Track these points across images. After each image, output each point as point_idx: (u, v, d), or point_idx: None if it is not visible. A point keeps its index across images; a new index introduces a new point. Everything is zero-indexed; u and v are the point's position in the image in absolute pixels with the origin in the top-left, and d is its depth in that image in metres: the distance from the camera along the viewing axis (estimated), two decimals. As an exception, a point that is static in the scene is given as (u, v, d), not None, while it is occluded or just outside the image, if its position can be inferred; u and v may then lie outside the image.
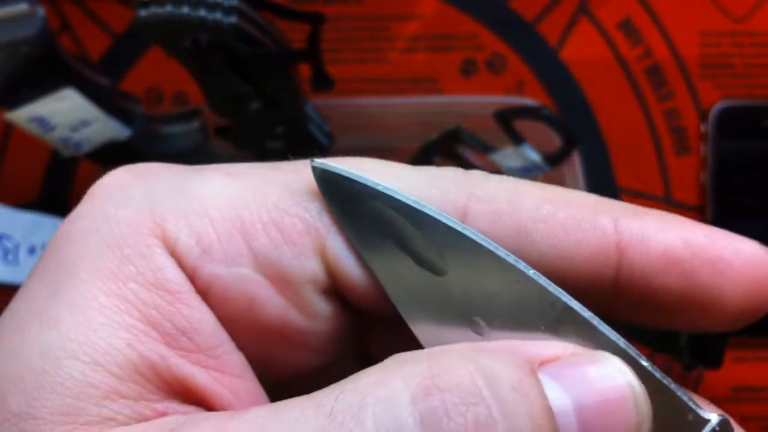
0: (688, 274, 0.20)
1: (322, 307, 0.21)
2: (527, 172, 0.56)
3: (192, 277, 0.20)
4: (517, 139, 0.54)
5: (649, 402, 0.19)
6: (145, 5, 0.43)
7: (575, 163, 0.57)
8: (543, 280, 0.19)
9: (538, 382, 0.18)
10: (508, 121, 0.54)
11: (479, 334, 0.20)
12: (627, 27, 0.62)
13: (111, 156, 0.52)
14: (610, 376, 0.19)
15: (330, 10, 0.62)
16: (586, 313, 0.19)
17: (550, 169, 0.55)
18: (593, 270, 0.21)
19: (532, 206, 0.21)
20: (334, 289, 0.21)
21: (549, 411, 0.18)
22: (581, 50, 0.62)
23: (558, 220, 0.21)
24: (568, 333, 0.19)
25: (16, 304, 0.20)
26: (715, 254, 0.21)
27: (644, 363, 0.19)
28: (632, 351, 0.19)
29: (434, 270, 0.20)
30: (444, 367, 0.18)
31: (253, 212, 0.20)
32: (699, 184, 0.61)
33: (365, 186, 0.20)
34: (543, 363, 0.19)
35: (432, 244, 0.20)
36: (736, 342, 0.58)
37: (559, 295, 0.19)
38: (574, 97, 0.62)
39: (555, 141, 0.54)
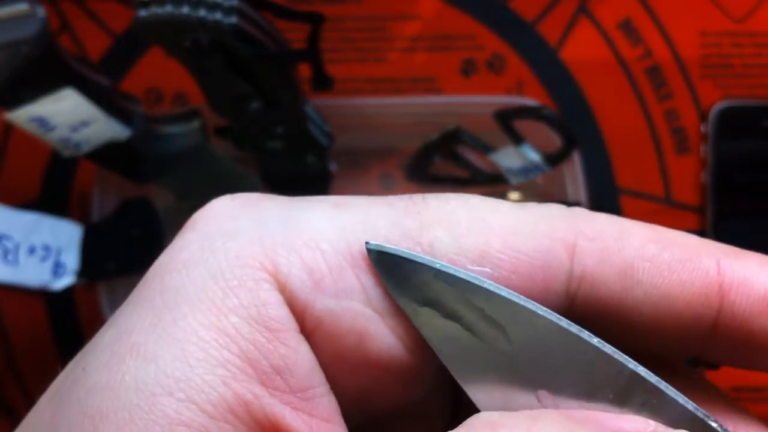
0: None
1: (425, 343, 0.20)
2: (527, 173, 0.56)
3: (303, 311, 0.19)
4: (517, 139, 0.54)
5: None
6: (145, 5, 0.43)
7: (575, 163, 0.57)
8: (608, 348, 0.19)
9: None
10: (508, 121, 0.54)
11: (545, 406, 0.20)
12: (627, 27, 0.62)
13: (111, 156, 0.52)
14: None
15: (330, 10, 0.62)
16: (654, 378, 0.19)
17: (550, 169, 0.55)
18: (695, 311, 0.21)
19: (639, 245, 0.21)
20: None
21: None
22: (581, 50, 0.62)
23: (663, 259, 0.20)
24: (636, 401, 0.19)
25: (110, 333, 0.20)
26: None
27: (714, 425, 0.19)
28: (701, 413, 0.19)
29: (500, 347, 0.20)
30: None
31: (364, 246, 0.20)
32: (699, 184, 0.61)
33: (423, 265, 0.20)
34: None
35: (494, 319, 0.19)
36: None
37: (626, 362, 0.19)
38: (574, 97, 0.62)
39: (555, 141, 0.54)
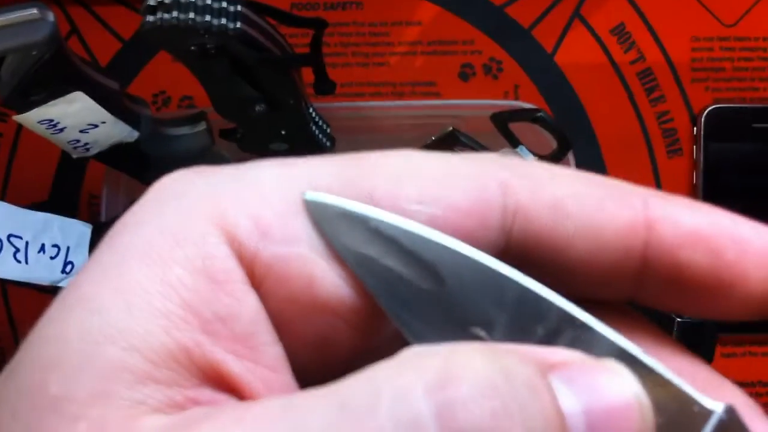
0: (713, 251, 0.21)
1: None
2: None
3: (252, 259, 0.20)
4: (513, 142, 0.54)
5: (653, 412, 0.19)
6: (152, 11, 0.43)
7: (569, 164, 0.58)
8: (537, 286, 0.20)
9: (548, 384, 0.18)
10: (504, 124, 0.54)
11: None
12: (620, 32, 0.63)
13: (119, 157, 0.53)
14: (618, 385, 0.19)
15: (332, 16, 0.63)
16: (584, 315, 0.20)
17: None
18: (624, 244, 0.21)
19: (568, 182, 0.21)
20: None
21: (560, 412, 0.18)
22: (575, 55, 0.63)
23: (592, 194, 0.21)
24: (567, 337, 0.20)
25: (65, 290, 0.20)
26: (738, 235, 0.21)
27: (646, 359, 0.20)
28: (633, 348, 0.20)
29: (432, 286, 0.20)
30: (461, 361, 0.18)
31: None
32: (690, 185, 0.62)
33: (356, 213, 0.20)
34: (552, 367, 0.19)
35: (426, 261, 0.20)
36: (726, 337, 0.59)
37: (555, 299, 0.20)
38: (569, 100, 0.63)
39: (550, 143, 0.54)
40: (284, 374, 0.20)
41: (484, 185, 0.21)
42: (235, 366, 0.19)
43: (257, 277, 0.20)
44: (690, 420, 0.19)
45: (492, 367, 0.18)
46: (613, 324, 0.20)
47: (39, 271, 0.51)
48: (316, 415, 0.17)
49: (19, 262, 0.50)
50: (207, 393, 0.19)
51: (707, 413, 0.19)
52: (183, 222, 0.20)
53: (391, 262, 0.20)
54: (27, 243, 0.51)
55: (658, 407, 0.19)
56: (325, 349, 0.21)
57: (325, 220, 0.20)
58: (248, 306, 0.20)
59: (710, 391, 0.20)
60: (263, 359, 0.20)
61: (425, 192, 0.21)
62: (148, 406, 0.18)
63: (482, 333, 0.20)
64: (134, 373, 0.18)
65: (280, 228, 0.20)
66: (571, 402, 0.18)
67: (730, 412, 0.19)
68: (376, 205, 0.20)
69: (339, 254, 0.20)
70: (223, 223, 0.20)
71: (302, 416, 0.17)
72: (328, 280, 0.20)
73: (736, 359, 0.60)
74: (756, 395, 0.60)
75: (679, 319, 0.46)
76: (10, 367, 0.20)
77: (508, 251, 0.21)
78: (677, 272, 0.21)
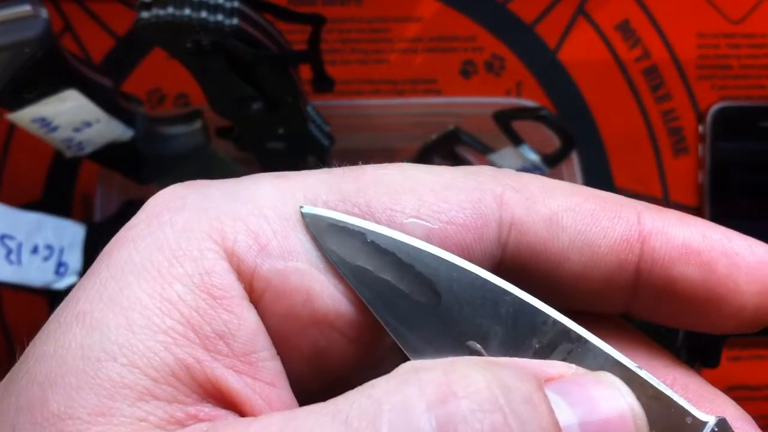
0: (705, 265, 0.21)
1: None
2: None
3: (252, 274, 0.20)
4: (516, 140, 0.54)
5: (647, 424, 0.20)
6: (147, 7, 0.43)
7: (573, 163, 0.57)
8: (533, 300, 0.20)
9: (545, 397, 0.18)
10: (507, 122, 0.54)
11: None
12: (625, 28, 0.63)
13: (113, 156, 0.52)
14: (613, 397, 0.19)
15: (330, 11, 0.62)
16: (579, 329, 0.20)
17: (548, 170, 0.55)
18: (618, 257, 0.22)
19: (563, 196, 0.22)
20: None
21: (557, 425, 0.18)
22: (579, 52, 0.63)
23: (586, 208, 0.22)
24: (562, 350, 0.20)
25: (62, 306, 0.20)
26: (731, 248, 0.22)
27: (640, 372, 0.20)
28: (627, 361, 0.20)
29: (428, 300, 0.20)
30: (460, 375, 0.18)
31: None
32: (697, 184, 0.61)
33: (354, 227, 0.21)
34: (548, 380, 0.19)
35: (423, 275, 0.20)
36: (732, 341, 0.59)
37: (550, 313, 0.20)
38: (573, 98, 0.62)
39: (553, 142, 0.54)
40: (283, 389, 0.20)
41: (480, 199, 0.21)
42: (234, 382, 0.19)
43: (256, 291, 0.20)
44: (684, 431, 0.20)
45: (491, 382, 0.18)
46: (607, 336, 0.21)
47: (32, 272, 0.51)
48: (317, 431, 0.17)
49: (12, 263, 0.50)
50: (207, 409, 0.19)
51: (700, 425, 0.20)
52: (181, 238, 0.20)
53: (388, 275, 0.20)
54: (20, 244, 0.50)
55: (652, 419, 0.20)
56: (322, 363, 0.21)
57: (322, 234, 0.20)
58: (247, 322, 0.20)
59: (703, 402, 0.21)
60: (262, 375, 0.20)
61: (422, 206, 0.21)
62: (149, 422, 0.19)
63: (478, 347, 0.20)
64: (135, 390, 0.19)
65: (278, 243, 0.20)
66: (567, 415, 0.19)
67: (722, 424, 0.20)
68: (374, 219, 0.21)
69: (336, 268, 0.20)
70: (222, 239, 0.20)
71: None
72: (326, 294, 0.20)
73: (742, 362, 0.60)
74: (763, 399, 0.59)
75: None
76: (6, 382, 0.20)
77: (504, 264, 0.22)
78: (670, 285, 0.22)
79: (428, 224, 0.21)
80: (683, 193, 0.61)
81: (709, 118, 0.61)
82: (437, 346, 0.20)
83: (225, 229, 0.20)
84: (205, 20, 0.43)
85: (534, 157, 0.54)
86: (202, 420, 0.19)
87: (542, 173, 0.56)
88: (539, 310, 0.20)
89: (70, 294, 0.20)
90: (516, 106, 0.58)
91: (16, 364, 0.20)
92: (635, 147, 0.62)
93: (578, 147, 0.57)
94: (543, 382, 0.19)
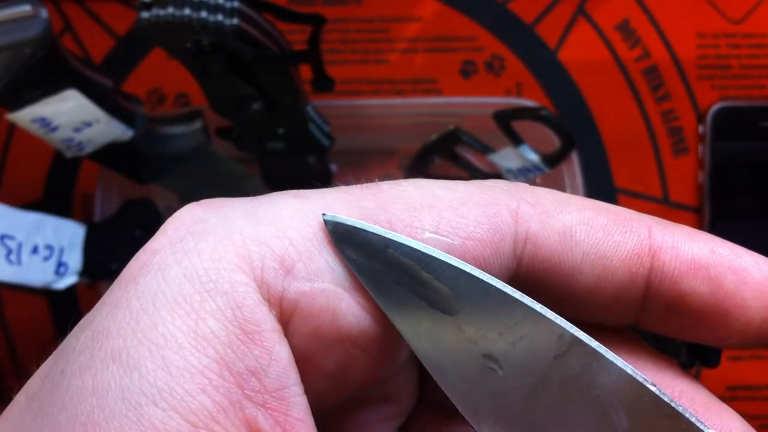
0: (713, 279, 0.22)
1: None
2: (526, 173, 0.56)
3: (280, 298, 0.20)
4: (516, 140, 0.54)
5: None
6: (147, 7, 0.43)
7: (573, 163, 0.57)
8: (550, 314, 0.21)
9: None
10: (506, 122, 0.54)
11: (492, 369, 0.21)
12: (625, 28, 0.62)
13: (113, 156, 0.52)
14: None
15: (330, 11, 0.62)
16: (595, 344, 0.21)
17: (548, 170, 0.55)
18: (629, 271, 0.22)
19: (576, 210, 0.22)
20: None
21: None
22: (579, 52, 0.62)
23: (599, 222, 0.22)
24: (577, 364, 0.21)
25: (86, 335, 0.20)
26: (738, 264, 0.22)
27: (652, 388, 0.20)
28: (640, 377, 0.20)
29: (447, 311, 0.21)
30: None
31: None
32: (697, 184, 0.61)
33: (375, 235, 0.21)
34: None
35: (443, 285, 0.21)
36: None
37: (567, 327, 0.21)
38: (573, 98, 0.62)
39: (553, 142, 0.54)
40: (310, 427, 0.20)
41: (496, 214, 0.22)
42: (263, 421, 0.20)
43: (285, 315, 0.20)
44: None
45: None
46: (615, 347, 0.21)
47: (32, 272, 0.51)
48: None
49: (12, 263, 0.50)
50: None
51: None
52: (210, 269, 0.20)
53: (407, 284, 0.21)
54: (20, 244, 0.50)
55: None
56: (342, 379, 0.22)
57: (343, 241, 0.21)
58: (278, 356, 0.20)
59: (710, 415, 0.22)
60: (293, 411, 0.20)
61: (441, 222, 0.21)
62: None
63: (496, 359, 0.21)
64: None
65: (303, 265, 0.21)
66: None
67: None
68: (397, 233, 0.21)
69: (357, 277, 0.21)
70: (251, 268, 0.20)
71: None
72: (351, 312, 0.21)
73: (742, 362, 0.60)
74: (763, 399, 0.59)
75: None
76: (37, 412, 0.20)
77: (518, 277, 0.22)
78: (679, 299, 0.22)
79: (448, 240, 0.21)
80: (683, 193, 0.61)
81: (709, 118, 0.61)
82: (454, 358, 0.21)
83: (252, 257, 0.20)
84: (205, 20, 0.43)
85: (534, 157, 0.54)
86: None
87: (542, 173, 0.56)
88: (556, 324, 0.20)
89: (98, 321, 0.20)
90: (516, 106, 0.58)
91: (42, 390, 0.20)
92: (635, 147, 0.62)
93: (578, 147, 0.57)
94: None
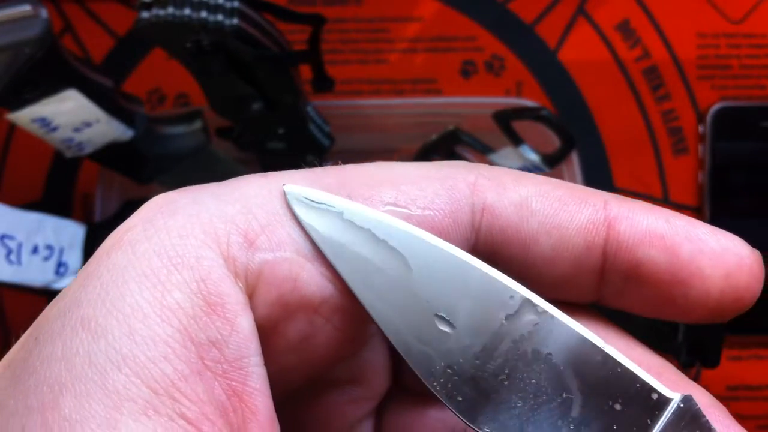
0: (669, 248, 0.22)
1: None
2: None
3: (245, 268, 0.21)
4: (516, 140, 0.54)
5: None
6: (147, 7, 0.43)
7: (573, 163, 0.58)
8: (500, 275, 0.21)
9: None
10: (506, 122, 0.54)
11: (444, 329, 0.21)
12: (625, 29, 0.62)
13: (113, 156, 0.53)
14: None
15: (330, 12, 0.62)
16: (544, 303, 0.21)
17: (548, 170, 0.55)
18: (585, 239, 0.23)
19: (533, 184, 0.23)
20: None
21: None
22: (579, 52, 0.63)
23: (555, 194, 0.23)
24: (528, 322, 0.21)
25: (63, 304, 0.21)
26: (694, 234, 0.23)
27: (605, 348, 0.21)
28: (593, 337, 0.21)
29: (400, 272, 0.21)
30: None
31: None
32: (697, 184, 0.61)
33: (332, 205, 0.22)
34: None
35: (395, 249, 0.21)
36: (732, 341, 0.59)
37: (517, 288, 0.21)
38: (573, 98, 0.62)
39: (553, 142, 0.54)
40: (267, 398, 0.21)
41: (453, 186, 0.23)
42: (222, 392, 0.20)
43: (250, 286, 0.21)
44: (649, 407, 0.20)
45: None
46: (583, 323, 0.21)
47: (32, 272, 0.51)
48: None
49: (12, 263, 0.50)
50: (207, 422, 0.20)
51: (666, 401, 0.21)
52: (178, 244, 0.21)
53: (363, 249, 0.22)
54: (20, 244, 0.51)
55: (616, 395, 0.20)
56: (307, 351, 0.22)
57: (302, 211, 0.22)
58: (240, 328, 0.21)
59: (676, 389, 0.21)
60: (251, 381, 0.21)
61: (399, 195, 0.22)
62: None
63: (447, 319, 0.21)
64: (138, 404, 0.19)
65: (266, 237, 0.21)
66: None
67: (688, 401, 0.20)
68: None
69: (315, 243, 0.22)
70: (217, 243, 0.21)
71: None
72: (313, 280, 0.21)
73: (742, 362, 0.60)
74: (763, 399, 0.59)
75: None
76: (11, 378, 0.20)
77: (477, 248, 0.23)
78: (636, 269, 0.23)
79: (407, 211, 0.22)
80: (683, 193, 0.62)
81: (709, 118, 0.61)
82: (408, 318, 0.21)
83: (218, 233, 0.21)
84: (205, 20, 0.43)
85: (534, 157, 0.54)
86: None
87: (542, 173, 0.56)
88: (506, 285, 0.21)
89: (71, 292, 0.21)
90: (516, 106, 0.58)
91: (16, 358, 0.21)
92: (635, 147, 0.62)
93: (578, 147, 0.57)
94: None
